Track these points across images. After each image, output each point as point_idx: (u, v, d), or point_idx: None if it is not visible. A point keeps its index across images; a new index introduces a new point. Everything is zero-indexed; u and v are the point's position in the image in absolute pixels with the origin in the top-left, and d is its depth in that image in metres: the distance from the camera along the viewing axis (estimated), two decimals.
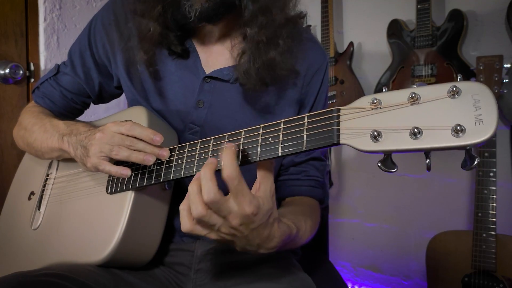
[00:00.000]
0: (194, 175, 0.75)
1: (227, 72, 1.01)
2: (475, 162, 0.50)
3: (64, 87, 1.13)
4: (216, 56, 1.03)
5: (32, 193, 1.15)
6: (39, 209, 1.09)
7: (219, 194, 0.65)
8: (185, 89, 1.02)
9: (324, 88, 1.12)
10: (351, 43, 2.38)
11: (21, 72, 1.71)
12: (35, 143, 1.06)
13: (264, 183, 0.69)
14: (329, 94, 2.33)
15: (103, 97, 1.18)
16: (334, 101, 2.36)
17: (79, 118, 1.24)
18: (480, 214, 1.74)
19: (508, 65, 1.80)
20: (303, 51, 1.06)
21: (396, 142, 0.53)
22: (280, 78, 0.99)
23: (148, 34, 0.96)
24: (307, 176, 1.09)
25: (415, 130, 0.51)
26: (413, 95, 0.53)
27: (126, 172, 0.85)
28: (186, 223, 0.70)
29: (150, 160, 0.83)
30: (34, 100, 1.17)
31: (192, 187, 0.68)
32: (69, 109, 1.17)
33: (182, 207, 0.70)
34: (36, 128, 1.06)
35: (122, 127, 0.84)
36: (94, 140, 0.86)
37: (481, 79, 1.74)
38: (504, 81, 1.76)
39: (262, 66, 0.95)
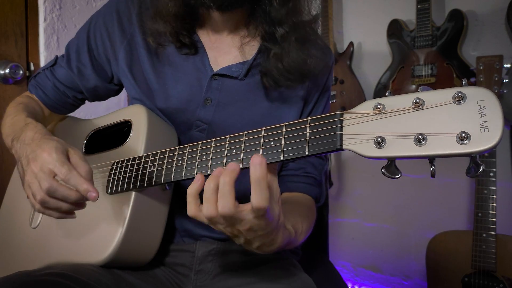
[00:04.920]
0: (195, 177, 0.75)
1: (236, 69, 1.01)
2: (480, 170, 0.50)
3: (57, 79, 1.12)
4: (224, 53, 1.03)
5: None
6: None
7: (234, 207, 0.64)
8: (192, 86, 1.01)
9: (328, 86, 1.13)
10: (351, 43, 2.38)
11: (21, 72, 1.71)
12: (4, 138, 1.02)
13: (269, 188, 0.68)
14: None
15: (98, 95, 1.16)
16: (334, 101, 2.35)
17: (74, 114, 1.24)
18: (480, 214, 1.74)
19: (508, 65, 1.80)
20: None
21: (400, 149, 0.52)
22: (304, 77, 1.01)
23: (166, 8, 0.95)
24: (305, 173, 1.08)
25: (420, 136, 0.51)
26: (417, 101, 0.52)
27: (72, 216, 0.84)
28: (191, 209, 0.68)
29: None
30: (28, 89, 1.16)
31: (209, 185, 0.66)
32: (60, 102, 1.15)
33: (190, 191, 0.69)
34: (7, 120, 1.03)
35: (57, 168, 0.78)
36: (29, 168, 0.81)
37: (481, 79, 1.74)
38: (504, 81, 1.76)
39: (290, 65, 0.97)
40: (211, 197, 0.65)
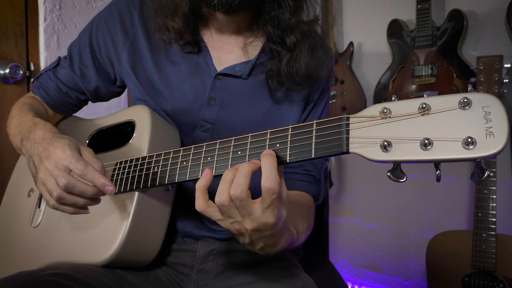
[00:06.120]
0: (202, 173, 0.75)
1: (239, 68, 1.01)
2: (485, 175, 0.50)
3: (60, 80, 1.13)
4: (227, 52, 1.03)
5: (32, 190, 1.14)
6: (39, 207, 1.08)
7: (247, 194, 0.64)
8: (196, 87, 1.02)
9: (328, 86, 1.13)
10: (351, 43, 2.38)
11: (21, 72, 1.71)
12: (11, 138, 1.04)
13: None
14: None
15: (100, 96, 1.17)
16: (334, 101, 2.36)
17: (77, 114, 1.24)
18: (480, 214, 1.74)
19: (508, 65, 1.80)
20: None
21: (407, 153, 0.53)
22: (309, 80, 1.01)
23: (171, 5, 0.96)
24: (305, 170, 1.09)
25: (426, 141, 0.51)
26: (424, 105, 0.53)
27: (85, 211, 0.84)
28: (200, 204, 0.69)
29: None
30: (31, 90, 1.17)
31: (227, 174, 0.67)
32: (63, 103, 1.16)
33: (198, 186, 0.69)
34: (13, 121, 1.04)
35: (73, 164, 0.78)
36: (42, 166, 0.81)
37: (481, 79, 1.74)
38: (504, 81, 1.76)
39: (299, 70, 0.98)
40: (227, 185, 0.66)
